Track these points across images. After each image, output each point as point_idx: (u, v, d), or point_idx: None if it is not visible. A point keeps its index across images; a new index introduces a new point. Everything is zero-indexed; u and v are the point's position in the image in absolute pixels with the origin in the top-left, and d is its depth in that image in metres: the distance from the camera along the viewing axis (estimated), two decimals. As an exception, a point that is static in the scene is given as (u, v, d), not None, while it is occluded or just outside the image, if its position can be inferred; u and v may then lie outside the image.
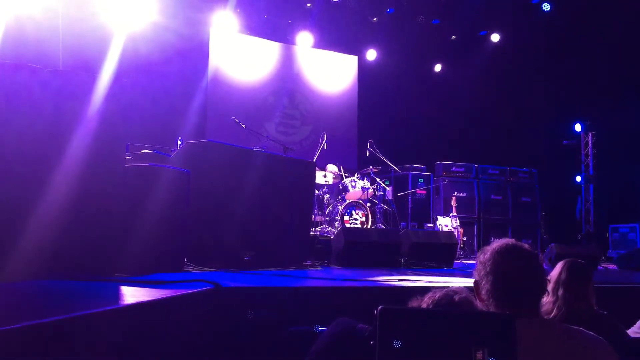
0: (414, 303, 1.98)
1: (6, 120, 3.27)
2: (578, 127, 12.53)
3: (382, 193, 9.39)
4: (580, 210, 12.32)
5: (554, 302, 2.80)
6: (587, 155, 12.48)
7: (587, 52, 11.30)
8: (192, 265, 4.73)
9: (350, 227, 8.10)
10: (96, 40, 8.59)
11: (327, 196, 8.91)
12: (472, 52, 12.80)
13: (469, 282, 2.08)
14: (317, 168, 7.33)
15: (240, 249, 5.23)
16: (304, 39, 12.11)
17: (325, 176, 8.99)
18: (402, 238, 6.62)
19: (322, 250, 6.49)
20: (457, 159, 10.98)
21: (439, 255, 6.69)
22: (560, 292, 2.81)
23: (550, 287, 2.81)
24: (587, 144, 12.48)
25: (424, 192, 10.60)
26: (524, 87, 12.25)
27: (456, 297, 1.92)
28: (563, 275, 2.84)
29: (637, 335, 2.77)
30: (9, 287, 2.92)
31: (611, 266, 8.28)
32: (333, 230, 8.18)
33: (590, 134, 12.42)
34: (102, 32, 8.87)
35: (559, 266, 2.91)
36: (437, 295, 1.94)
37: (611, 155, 12.04)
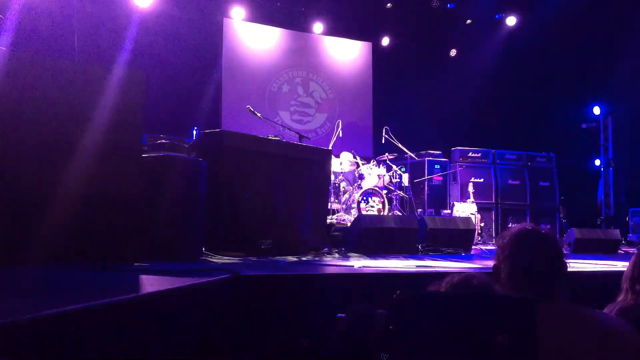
0: (432, 288, 1.96)
1: (22, 110, 3.29)
2: (597, 110, 12.33)
3: (398, 180, 9.35)
4: (601, 196, 12.16)
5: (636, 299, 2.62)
6: (606, 139, 12.28)
7: (605, 34, 11.10)
8: (209, 254, 4.76)
9: (367, 214, 8.09)
10: (110, 31, 8.64)
11: (343, 184, 8.89)
12: (488, 36, 12.65)
13: (487, 267, 2.07)
14: (332, 156, 7.30)
15: (258, 238, 5.25)
16: (318, 26, 12.04)
17: (341, 164, 8.96)
18: (420, 224, 6.59)
19: (339, 237, 6.48)
20: (473, 144, 10.87)
21: (457, 241, 6.65)
22: (638, 287, 2.62)
23: (626, 285, 2.70)
24: (606, 127, 12.27)
25: (441, 178, 10.54)
26: (541, 71, 12.08)
27: (474, 281, 1.90)
28: (636, 272, 2.66)
29: None
30: (27, 274, 2.95)
31: (632, 250, 8.18)
32: (350, 217, 8.18)
33: (609, 116, 12.22)
34: (116, 23, 8.92)
35: (630, 263, 2.74)
36: (456, 280, 1.92)
37: (631, 138, 11.85)
